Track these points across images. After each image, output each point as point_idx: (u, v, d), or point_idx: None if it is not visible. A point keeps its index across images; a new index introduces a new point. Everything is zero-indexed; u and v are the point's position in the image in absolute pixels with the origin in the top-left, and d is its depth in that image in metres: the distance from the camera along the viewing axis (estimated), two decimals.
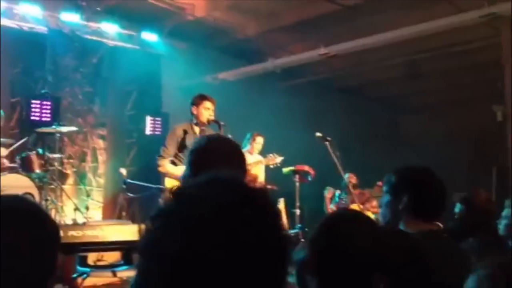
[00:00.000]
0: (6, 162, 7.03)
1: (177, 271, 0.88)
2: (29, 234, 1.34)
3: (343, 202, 8.38)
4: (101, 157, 10.05)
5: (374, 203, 8.27)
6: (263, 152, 7.75)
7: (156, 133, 10.13)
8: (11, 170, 6.85)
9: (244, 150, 6.39)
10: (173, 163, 5.65)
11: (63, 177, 8.14)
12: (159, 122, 10.21)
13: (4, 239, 1.29)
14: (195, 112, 5.62)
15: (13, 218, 1.34)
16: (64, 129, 7.58)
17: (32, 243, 1.34)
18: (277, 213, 0.98)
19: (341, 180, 8.27)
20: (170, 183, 5.52)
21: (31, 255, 1.33)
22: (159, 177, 6.48)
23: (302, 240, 6.83)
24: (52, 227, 1.41)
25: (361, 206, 7.87)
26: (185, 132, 5.63)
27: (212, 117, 5.57)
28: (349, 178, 8.16)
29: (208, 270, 0.86)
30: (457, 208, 3.61)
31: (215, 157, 1.98)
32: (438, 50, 9.76)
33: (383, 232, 1.67)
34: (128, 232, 4.66)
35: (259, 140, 7.79)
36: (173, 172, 5.56)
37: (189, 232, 0.88)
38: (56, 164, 7.38)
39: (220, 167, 1.58)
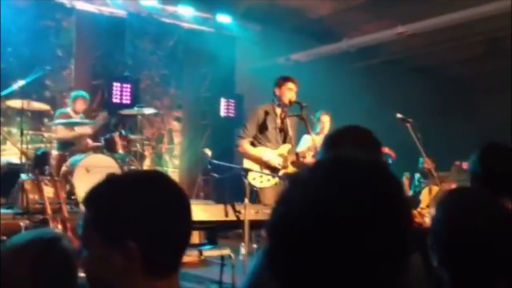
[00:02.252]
0: (90, 142, 7.30)
1: (305, 250, 0.88)
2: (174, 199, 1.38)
3: (423, 185, 8.20)
4: (177, 138, 10.25)
5: (454, 185, 8.04)
6: None
7: (230, 115, 10.23)
8: (96, 150, 7.10)
9: (314, 133, 6.35)
10: (252, 144, 5.67)
11: (142, 158, 8.35)
12: (232, 104, 10.30)
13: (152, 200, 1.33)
14: (277, 93, 5.61)
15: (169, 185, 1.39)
16: (146, 111, 7.75)
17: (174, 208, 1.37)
18: (401, 194, 0.95)
19: (419, 163, 8.12)
20: (248, 164, 5.54)
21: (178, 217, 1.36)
22: (232, 158, 6.52)
23: None
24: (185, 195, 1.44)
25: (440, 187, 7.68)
26: (266, 113, 5.64)
27: (294, 98, 5.55)
28: (425, 163, 7.99)
29: (333, 245, 0.86)
30: None
31: (349, 142, 1.97)
32: None
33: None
34: (215, 212, 4.71)
35: (324, 119, 7.58)
36: (252, 152, 5.59)
37: (315, 209, 0.88)
38: (138, 145, 7.58)
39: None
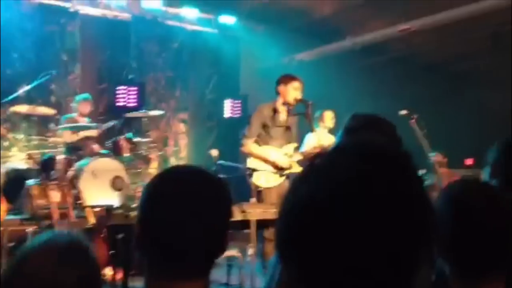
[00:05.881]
0: (96, 147, 7.31)
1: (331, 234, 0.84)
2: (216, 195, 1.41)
3: (428, 182, 8.14)
4: (183, 141, 10.26)
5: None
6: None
7: (236, 115, 10.23)
8: (102, 154, 7.11)
9: (317, 130, 6.30)
10: (256, 142, 5.64)
11: (147, 161, 8.37)
12: (238, 105, 10.30)
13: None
14: (282, 91, 5.58)
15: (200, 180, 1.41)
16: (152, 113, 7.74)
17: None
18: (420, 180, 0.91)
19: (426, 159, 8.07)
20: (252, 163, 5.53)
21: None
22: (239, 158, 6.50)
23: None
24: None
25: None
26: (272, 111, 5.62)
27: (300, 97, 5.53)
28: (435, 157, 7.95)
29: (343, 226, 0.83)
30: None
31: (370, 133, 1.95)
32: None
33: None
34: None
35: (328, 115, 7.51)
36: (258, 152, 5.56)
37: (332, 190, 0.85)
38: (144, 148, 7.58)
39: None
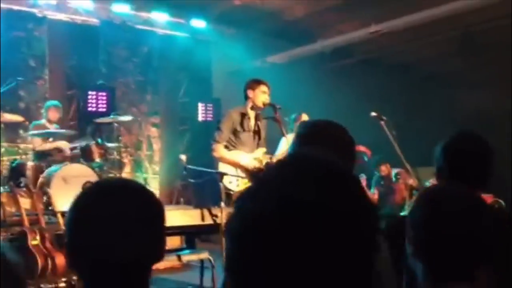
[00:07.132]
0: (67, 151, 7.24)
1: (268, 246, 0.84)
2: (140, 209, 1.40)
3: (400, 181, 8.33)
4: (156, 145, 10.22)
5: (411, 180, 8.12)
6: None
7: (208, 119, 10.24)
8: (73, 159, 7.05)
9: (291, 134, 6.33)
10: (226, 147, 5.65)
11: (120, 165, 8.30)
12: (210, 108, 10.32)
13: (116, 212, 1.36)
14: (250, 95, 5.60)
15: (124, 193, 1.41)
16: (121, 118, 7.70)
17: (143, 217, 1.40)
18: (360, 186, 0.92)
19: (399, 159, 8.28)
20: (224, 167, 5.53)
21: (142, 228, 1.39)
22: (212, 162, 6.53)
23: None
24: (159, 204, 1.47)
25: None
26: (241, 115, 5.63)
27: (268, 100, 5.56)
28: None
29: (297, 241, 0.83)
30: None
31: (321, 140, 1.94)
32: (493, 22, 9.44)
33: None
34: (191, 217, 4.72)
35: (304, 118, 7.54)
36: (229, 157, 5.56)
37: (274, 209, 0.85)
38: (114, 153, 7.53)
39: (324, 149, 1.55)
